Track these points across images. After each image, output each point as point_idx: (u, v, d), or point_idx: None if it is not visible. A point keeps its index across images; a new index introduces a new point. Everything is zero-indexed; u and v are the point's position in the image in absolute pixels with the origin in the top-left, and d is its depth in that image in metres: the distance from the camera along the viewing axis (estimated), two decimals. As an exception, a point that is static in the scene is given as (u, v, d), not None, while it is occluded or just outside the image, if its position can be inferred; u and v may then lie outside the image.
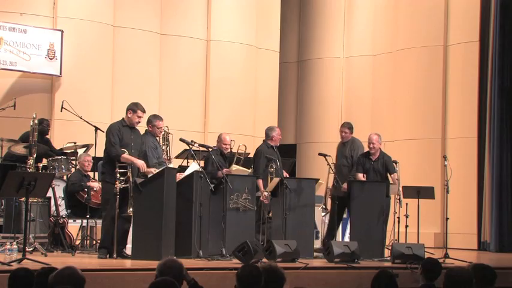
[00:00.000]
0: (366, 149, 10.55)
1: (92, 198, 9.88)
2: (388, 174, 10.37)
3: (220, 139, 9.98)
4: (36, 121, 9.12)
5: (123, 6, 12.95)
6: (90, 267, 7.22)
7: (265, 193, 9.85)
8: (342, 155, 10.62)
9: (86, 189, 9.95)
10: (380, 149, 10.52)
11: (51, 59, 12.09)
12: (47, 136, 10.98)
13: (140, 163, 8.65)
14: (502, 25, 12.94)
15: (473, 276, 5.04)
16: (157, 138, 9.21)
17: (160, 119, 9.16)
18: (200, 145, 9.61)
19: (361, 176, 10.37)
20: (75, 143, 10.91)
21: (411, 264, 8.46)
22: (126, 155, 8.65)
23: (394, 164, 10.44)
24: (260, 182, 9.96)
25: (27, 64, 11.96)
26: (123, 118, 8.97)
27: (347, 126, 10.74)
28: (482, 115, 13.09)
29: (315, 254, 9.83)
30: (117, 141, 8.71)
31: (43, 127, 10.54)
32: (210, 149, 9.68)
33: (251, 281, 4.76)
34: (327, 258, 9.13)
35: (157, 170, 8.64)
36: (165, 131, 9.37)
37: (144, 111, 8.94)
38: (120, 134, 8.77)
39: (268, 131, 10.33)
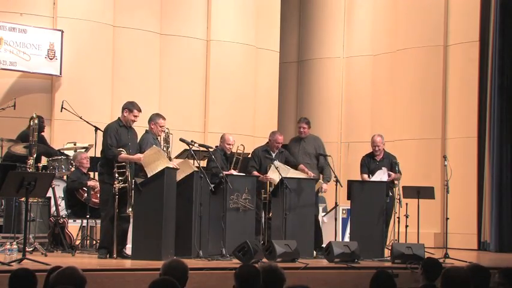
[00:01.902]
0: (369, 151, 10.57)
1: (91, 198, 9.88)
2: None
3: (223, 139, 10.02)
4: (36, 121, 9.11)
5: (123, 6, 12.94)
6: (90, 267, 7.23)
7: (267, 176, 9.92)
8: (304, 152, 10.47)
9: (85, 188, 9.93)
10: (383, 149, 10.53)
11: (51, 59, 12.08)
12: (42, 133, 10.78)
13: (136, 157, 8.64)
14: (502, 25, 12.94)
15: (470, 276, 5.03)
16: (158, 137, 9.21)
17: (163, 117, 9.17)
18: (200, 145, 9.62)
19: (366, 177, 10.39)
20: (75, 143, 10.90)
21: (411, 264, 8.47)
22: (123, 155, 8.65)
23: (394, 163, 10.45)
24: (255, 172, 10.04)
25: (27, 64, 11.95)
26: (119, 118, 8.97)
27: (305, 122, 10.56)
28: (482, 115, 13.09)
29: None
30: (114, 143, 8.71)
31: (39, 124, 10.37)
32: (210, 149, 9.69)
33: (249, 280, 4.76)
34: (327, 258, 9.13)
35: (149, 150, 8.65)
36: (166, 132, 9.39)
37: (140, 111, 8.94)
38: (118, 134, 8.77)
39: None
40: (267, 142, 10.41)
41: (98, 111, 12.09)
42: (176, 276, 4.61)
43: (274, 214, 9.80)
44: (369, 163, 10.44)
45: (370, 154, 10.53)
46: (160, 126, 9.08)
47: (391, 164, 10.38)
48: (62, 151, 10.72)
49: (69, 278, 4.35)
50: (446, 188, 10.15)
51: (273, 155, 10.24)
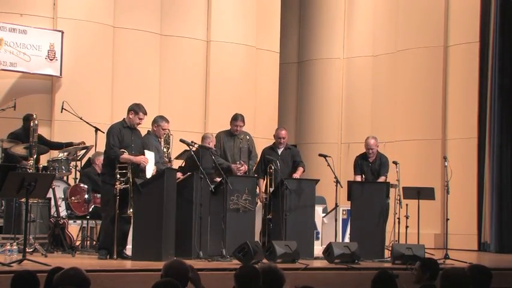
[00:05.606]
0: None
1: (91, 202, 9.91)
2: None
3: (208, 139, 9.98)
4: (36, 121, 9.10)
5: (123, 7, 12.94)
6: (90, 268, 7.20)
7: (262, 194, 9.94)
8: (238, 149, 10.36)
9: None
10: (377, 150, 10.56)
11: (51, 59, 12.08)
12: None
13: (138, 158, 8.65)
14: (502, 25, 12.94)
15: (469, 276, 5.03)
16: (160, 139, 9.23)
17: (167, 120, 9.20)
18: (200, 146, 9.62)
19: (359, 178, 10.41)
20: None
21: (411, 265, 8.46)
22: (125, 155, 8.66)
23: (394, 164, 10.45)
24: (259, 182, 10.03)
25: (28, 65, 11.95)
26: (124, 119, 8.99)
27: (242, 119, 10.48)
28: (482, 115, 13.09)
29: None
30: (117, 143, 8.73)
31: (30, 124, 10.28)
32: (211, 149, 9.69)
33: (249, 281, 4.76)
34: (327, 259, 9.13)
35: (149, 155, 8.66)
36: (167, 133, 9.40)
37: (145, 114, 8.97)
38: (121, 135, 8.79)
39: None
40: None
41: (98, 112, 12.09)
42: (178, 277, 4.61)
43: (274, 214, 9.81)
44: (362, 164, 10.49)
45: (363, 155, 10.55)
46: (163, 129, 9.13)
47: (380, 164, 10.40)
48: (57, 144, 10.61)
49: (73, 279, 4.35)
50: (447, 189, 10.15)
51: (279, 151, 10.25)
